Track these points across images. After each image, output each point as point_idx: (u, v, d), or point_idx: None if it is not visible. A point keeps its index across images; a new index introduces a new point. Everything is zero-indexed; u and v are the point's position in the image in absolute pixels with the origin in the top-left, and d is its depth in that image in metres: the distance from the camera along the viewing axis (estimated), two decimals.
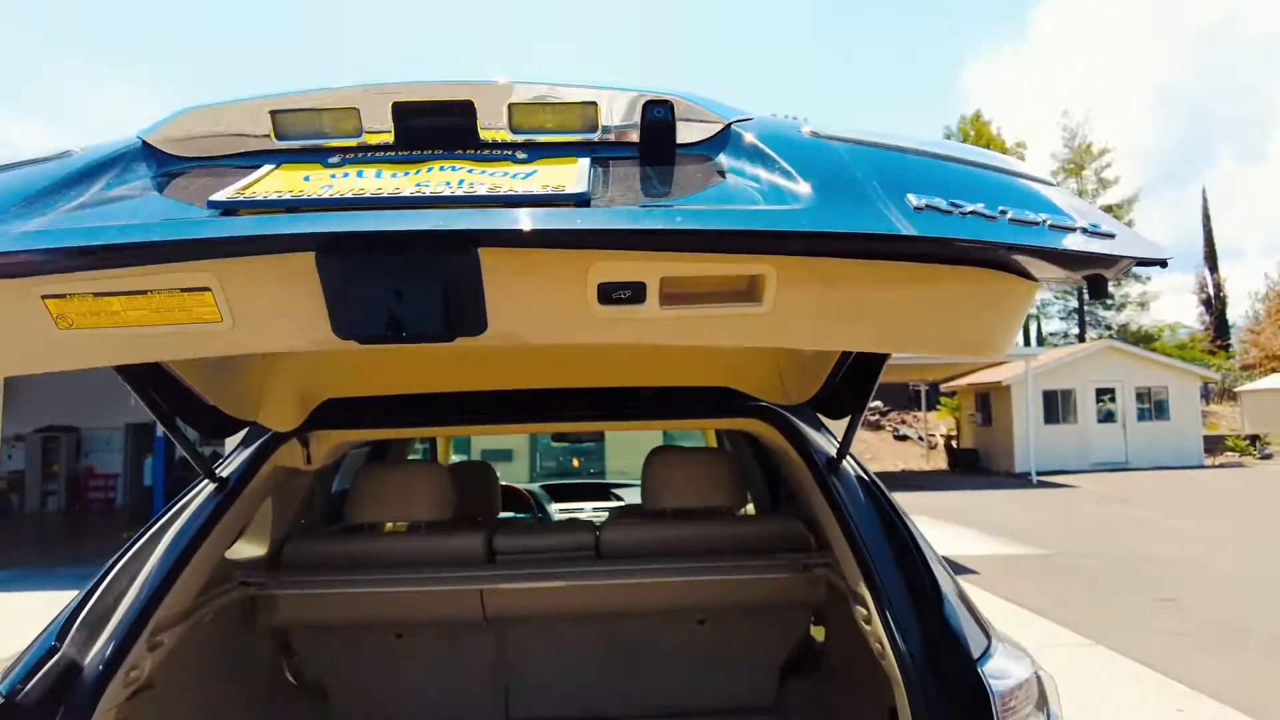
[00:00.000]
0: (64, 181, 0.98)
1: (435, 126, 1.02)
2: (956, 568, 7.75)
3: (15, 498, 15.79)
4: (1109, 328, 37.78)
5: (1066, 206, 0.94)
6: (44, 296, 0.91)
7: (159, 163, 1.05)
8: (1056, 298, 39.75)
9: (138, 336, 0.97)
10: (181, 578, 1.66)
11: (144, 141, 1.06)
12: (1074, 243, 0.88)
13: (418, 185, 0.91)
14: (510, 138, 1.03)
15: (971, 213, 0.88)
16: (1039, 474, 18.06)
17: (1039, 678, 1.26)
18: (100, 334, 0.96)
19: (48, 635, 1.47)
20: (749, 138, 1.02)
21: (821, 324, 1.04)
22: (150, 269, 0.89)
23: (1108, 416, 20.60)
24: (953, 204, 0.89)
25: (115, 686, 1.42)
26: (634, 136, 1.02)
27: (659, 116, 1.00)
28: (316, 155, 1.02)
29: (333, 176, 0.95)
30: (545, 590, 2.15)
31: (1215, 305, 40.54)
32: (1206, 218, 41.55)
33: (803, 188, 0.91)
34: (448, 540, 2.22)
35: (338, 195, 0.89)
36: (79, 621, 1.50)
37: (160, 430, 10.99)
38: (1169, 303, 78.61)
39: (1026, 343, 37.08)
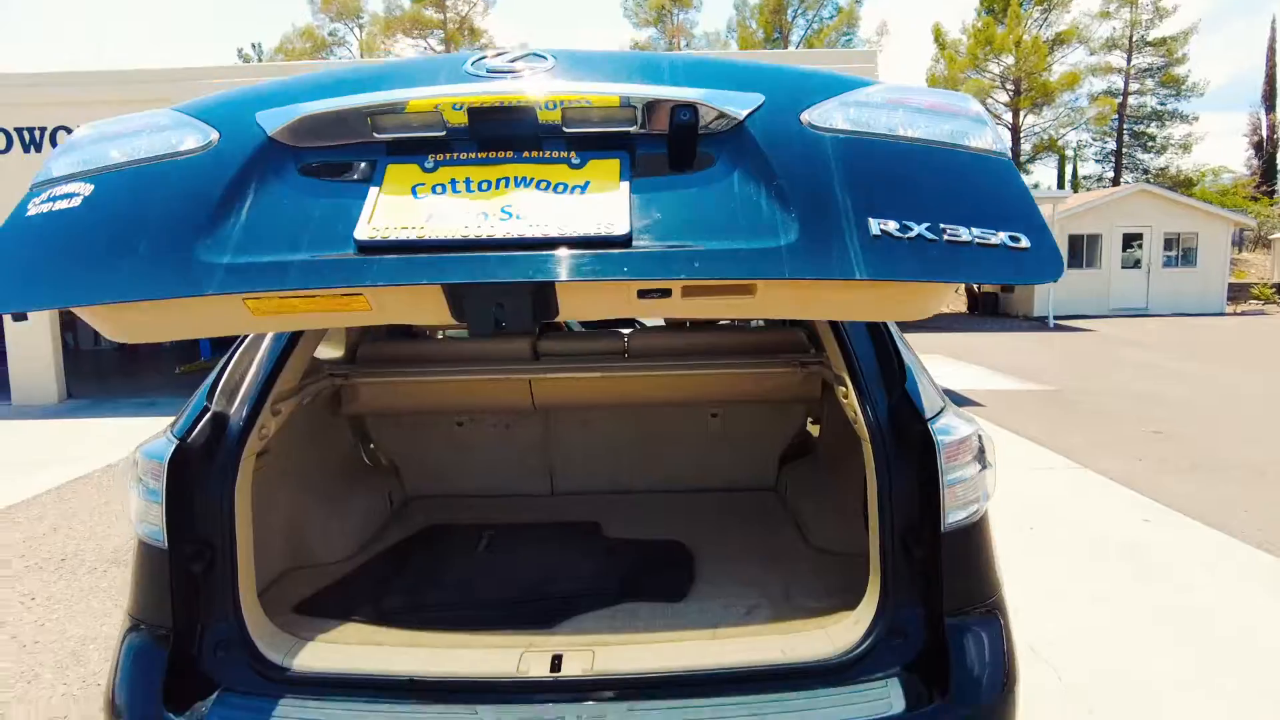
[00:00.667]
0: (224, 191, 1.22)
1: (506, 133, 1.24)
2: (963, 401, 8.22)
3: (70, 336, 16.64)
4: (1146, 172, 36.44)
5: (994, 212, 1.19)
6: (244, 299, 1.26)
7: (289, 159, 1.26)
8: (1094, 139, 38.09)
9: (307, 318, 1.36)
10: (288, 363, 1.95)
11: (270, 138, 1.26)
12: (990, 263, 1.15)
13: (503, 211, 1.17)
14: (565, 132, 1.25)
15: (917, 237, 1.14)
16: (1058, 318, 18.27)
17: (979, 436, 1.60)
18: (281, 318, 1.34)
19: (199, 398, 1.79)
20: (755, 138, 1.23)
21: (796, 306, 1.43)
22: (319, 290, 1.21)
23: (1134, 263, 20.44)
24: (904, 226, 1.15)
25: (252, 438, 1.75)
26: (664, 125, 1.24)
27: (684, 120, 1.23)
28: (412, 154, 1.25)
29: (435, 190, 1.21)
30: (583, 382, 2.56)
31: (1266, 149, 38.62)
32: (1271, 53, 38.63)
33: (790, 214, 1.17)
34: (499, 344, 2.61)
35: (452, 238, 1.14)
36: (219, 390, 1.82)
37: None
38: (1216, 146, 74.80)
39: (1060, 185, 36.01)
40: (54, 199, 1.28)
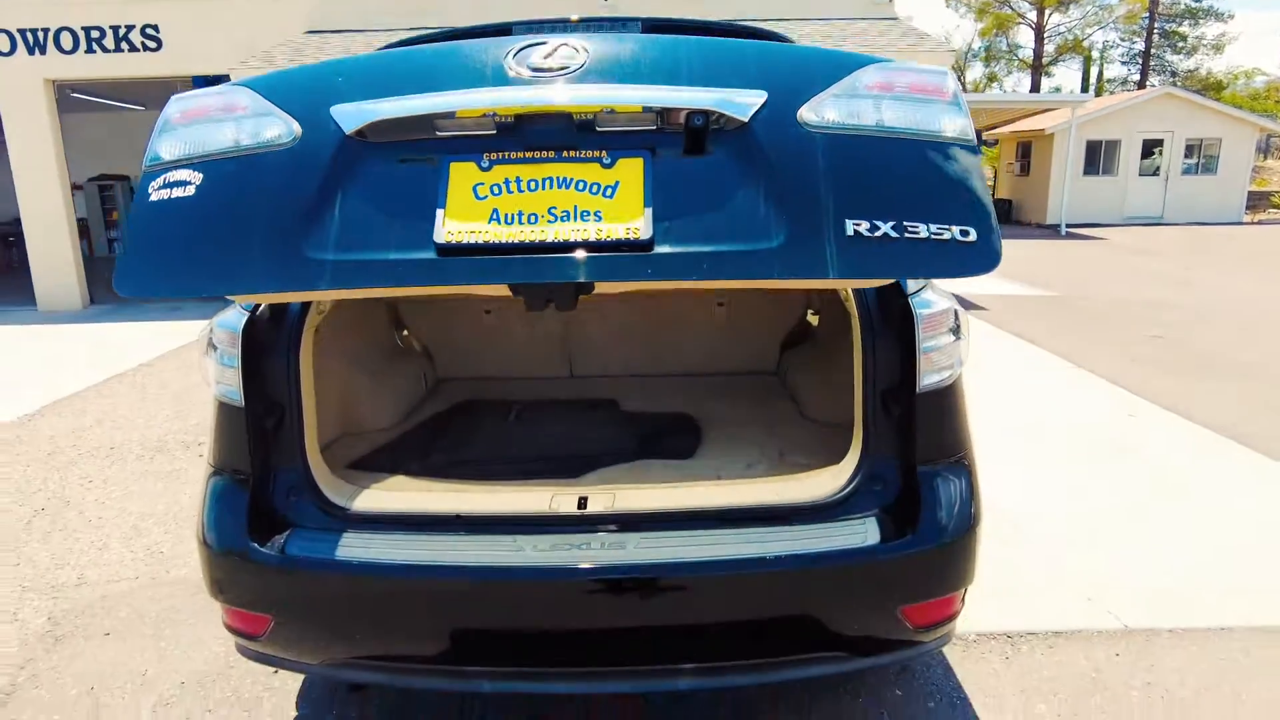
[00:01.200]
0: (317, 187, 1.40)
1: (548, 137, 1.43)
2: (967, 305, 8.34)
3: (84, 243, 16.80)
4: (1174, 74, 35.11)
5: (953, 208, 1.38)
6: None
7: (366, 156, 1.42)
8: (1122, 39, 36.55)
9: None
10: None
11: (348, 136, 1.41)
12: (937, 258, 1.35)
13: (550, 212, 1.38)
14: (597, 132, 1.43)
15: (883, 235, 1.34)
16: (1071, 226, 18.12)
17: (956, 311, 1.78)
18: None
19: None
20: (758, 139, 1.40)
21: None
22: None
23: (1153, 170, 20.07)
24: (873, 225, 1.34)
25: (311, 313, 1.91)
26: (680, 124, 1.42)
27: (697, 125, 1.40)
28: (470, 153, 1.43)
29: (493, 191, 1.40)
30: None
31: None
32: None
33: (782, 217, 1.36)
34: None
35: (512, 241, 1.36)
36: None
37: None
38: (1251, 47, 71.43)
39: (1085, 88, 34.84)
40: (169, 185, 1.44)
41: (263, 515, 1.72)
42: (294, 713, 2.28)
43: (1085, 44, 35.95)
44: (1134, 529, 3.31)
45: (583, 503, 1.69)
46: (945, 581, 1.67)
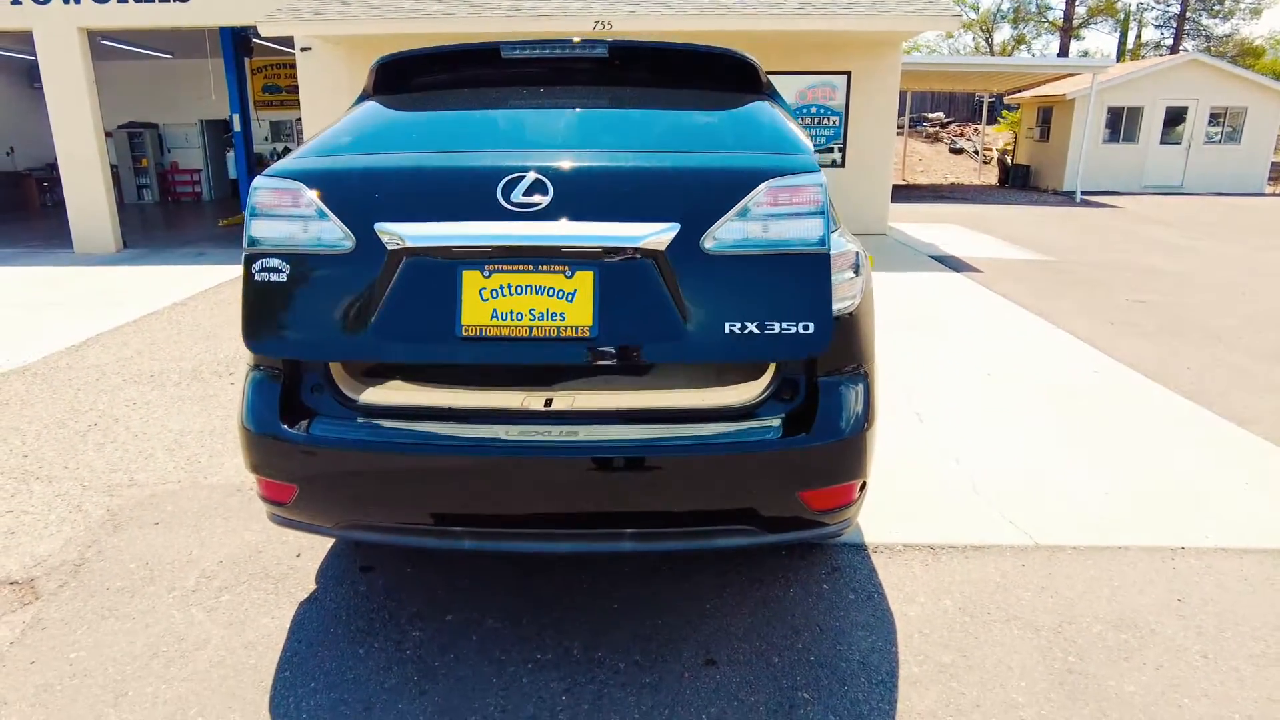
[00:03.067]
0: (371, 289, 1.99)
1: (529, 256, 1.95)
2: (961, 267, 8.68)
3: (115, 191, 17.31)
4: (1209, 39, 34.19)
5: (802, 309, 1.94)
6: None
7: (404, 264, 1.98)
8: (1156, 1, 35.55)
9: None
10: None
11: (390, 251, 1.96)
12: (780, 345, 1.95)
13: (532, 313, 1.96)
14: (562, 253, 1.94)
15: (748, 333, 1.94)
16: (1086, 193, 18.10)
17: (857, 254, 2.13)
18: None
19: None
20: (670, 262, 1.92)
21: None
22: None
23: (1174, 137, 19.87)
24: (743, 326, 1.95)
25: None
26: (619, 255, 1.94)
27: (627, 254, 1.93)
28: (475, 262, 1.96)
29: (494, 294, 1.96)
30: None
31: None
32: None
33: (685, 320, 1.94)
34: None
35: (510, 335, 1.97)
36: None
37: (238, 126, 11.85)
38: None
39: (1121, 54, 34.06)
40: (266, 270, 2.01)
41: (291, 405, 2.13)
42: (313, 585, 2.73)
43: (1117, 6, 35.07)
44: (1067, 466, 3.67)
45: (549, 402, 2.08)
46: (837, 473, 2.04)
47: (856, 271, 2.09)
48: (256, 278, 2.02)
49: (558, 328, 1.93)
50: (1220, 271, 8.95)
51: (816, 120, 11.18)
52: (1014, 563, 2.89)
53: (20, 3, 10.37)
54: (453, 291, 1.95)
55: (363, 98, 2.50)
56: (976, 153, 25.48)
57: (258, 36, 11.24)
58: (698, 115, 2.36)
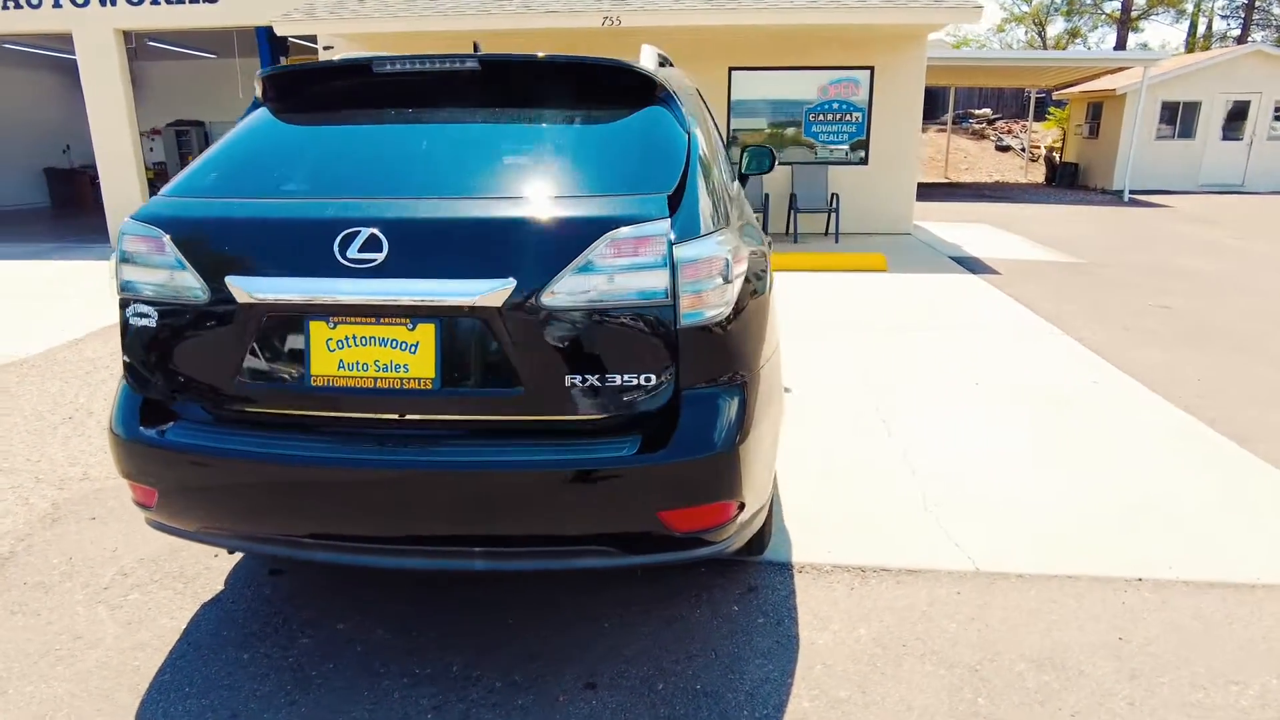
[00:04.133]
0: (228, 338, 2.04)
1: (370, 311, 1.96)
2: (980, 268, 8.34)
3: (161, 185, 17.88)
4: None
5: (644, 362, 1.91)
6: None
7: (253, 313, 2.01)
8: None
9: None
10: None
11: (240, 305, 2.00)
12: (623, 397, 1.92)
13: (376, 364, 1.96)
14: (401, 307, 1.93)
15: (589, 385, 1.93)
16: (1136, 192, 17.33)
17: (726, 260, 1.96)
18: None
19: None
20: (508, 316, 1.89)
21: None
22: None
23: (1234, 134, 18.88)
24: (584, 378, 1.93)
25: None
26: (456, 311, 1.91)
27: (465, 310, 1.90)
28: (321, 316, 1.97)
29: (340, 345, 1.96)
30: None
31: None
32: None
33: (523, 370, 1.92)
34: None
35: (354, 386, 1.98)
36: None
37: None
38: None
39: (1190, 44, 32.54)
40: (138, 316, 2.07)
41: (157, 409, 2.11)
42: (220, 587, 2.71)
43: None
44: (1034, 484, 3.45)
45: (401, 415, 2.01)
46: (701, 492, 1.91)
47: (726, 279, 1.96)
48: (130, 322, 2.09)
49: (401, 379, 1.92)
50: (1264, 276, 8.44)
51: (838, 117, 10.89)
52: (948, 589, 2.72)
53: (61, 5, 10.75)
54: (303, 342, 1.96)
55: (254, 104, 2.46)
56: (1023, 150, 24.65)
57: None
58: (564, 144, 2.21)
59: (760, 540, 2.68)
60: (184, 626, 2.50)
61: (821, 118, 10.89)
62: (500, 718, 2.10)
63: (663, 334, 1.89)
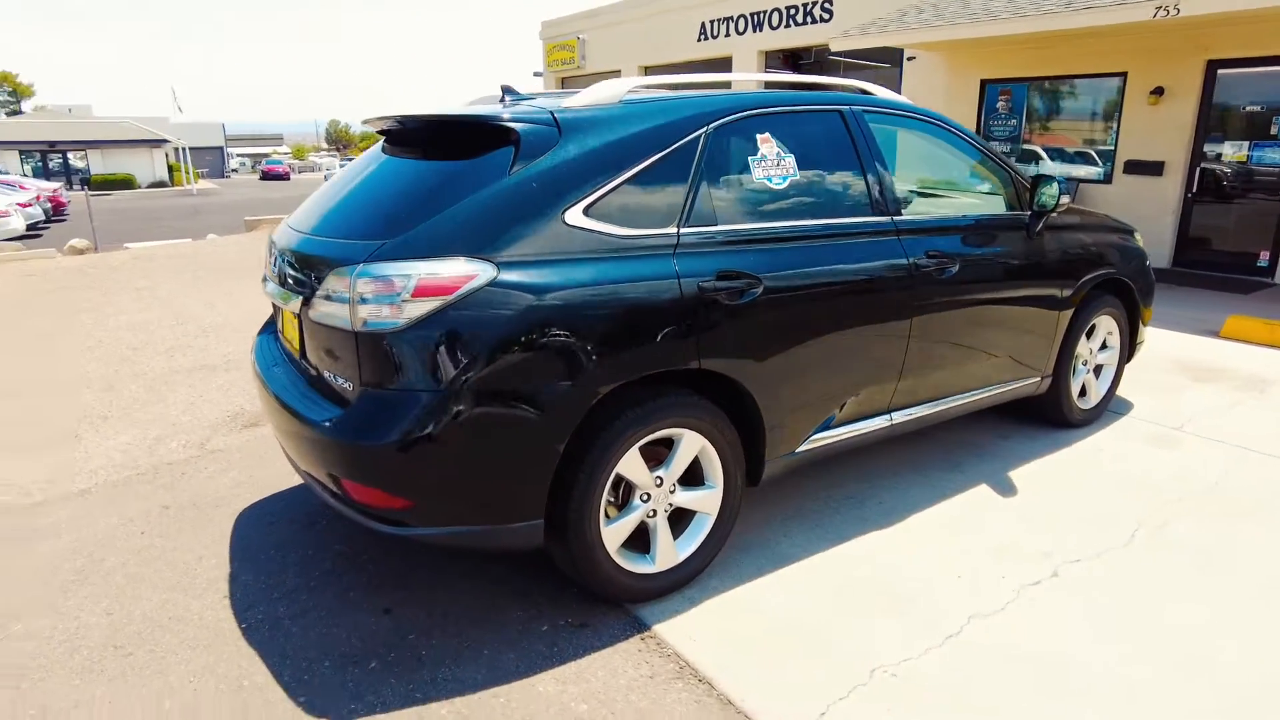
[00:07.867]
0: None
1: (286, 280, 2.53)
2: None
3: None
4: None
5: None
6: None
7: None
8: None
9: None
10: None
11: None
12: None
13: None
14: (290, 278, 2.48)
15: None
16: None
17: (416, 279, 2.14)
18: None
19: None
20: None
21: None
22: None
23: None
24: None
25: None
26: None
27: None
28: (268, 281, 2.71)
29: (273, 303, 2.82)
30: None
31: None
32: None
33: None
34: None
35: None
36: None
37: None
38: None
39: None
40: None
41: None
42: None
43: None
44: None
45: None
46: (362, 473, 2.19)
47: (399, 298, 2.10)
48: None
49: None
50: None
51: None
52: None
53: (720, 37, 13.53)
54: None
55: None
56: None
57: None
58: (403, 192, 2.45)
59: None
60: None
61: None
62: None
63: (349, 352, 2.23)
